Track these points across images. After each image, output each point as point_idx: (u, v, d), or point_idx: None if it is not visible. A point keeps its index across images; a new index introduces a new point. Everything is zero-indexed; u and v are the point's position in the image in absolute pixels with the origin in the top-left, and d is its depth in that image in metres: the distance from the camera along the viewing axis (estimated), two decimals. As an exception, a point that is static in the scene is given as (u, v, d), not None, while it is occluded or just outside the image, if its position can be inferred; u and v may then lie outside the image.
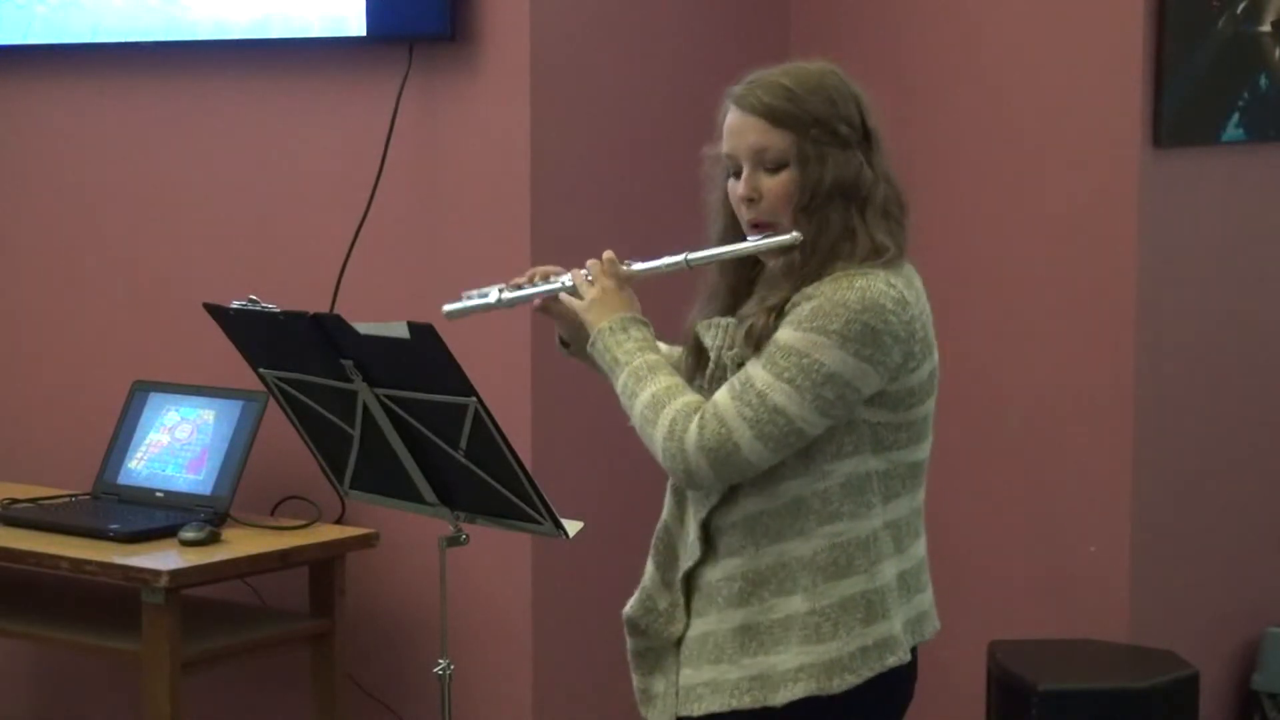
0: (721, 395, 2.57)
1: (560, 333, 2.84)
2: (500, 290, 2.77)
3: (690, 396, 2.61)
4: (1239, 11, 4.40)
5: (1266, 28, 4.49)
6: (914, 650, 2.72)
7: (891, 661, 2.62)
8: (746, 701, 2.62)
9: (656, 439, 2.59)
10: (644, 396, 2.61)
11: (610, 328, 2.67)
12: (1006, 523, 4.39)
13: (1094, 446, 4.27)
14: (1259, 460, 4.73)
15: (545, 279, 2.77)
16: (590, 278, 2.71)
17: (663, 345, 2.80)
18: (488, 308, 2.78)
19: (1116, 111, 4.19)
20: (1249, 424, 4.67)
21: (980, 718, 4.03)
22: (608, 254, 2.73)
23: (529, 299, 2.77)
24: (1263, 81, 4.51)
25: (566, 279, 2.74)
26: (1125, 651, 4.07)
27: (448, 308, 2.81)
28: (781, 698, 2.60)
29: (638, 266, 2.73)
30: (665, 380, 2.62)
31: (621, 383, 2.65)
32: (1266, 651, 4.68)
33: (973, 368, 4.36)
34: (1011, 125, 4.33)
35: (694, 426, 2.56)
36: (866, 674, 2.60)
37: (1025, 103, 4.31)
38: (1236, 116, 4.46)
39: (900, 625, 2.64)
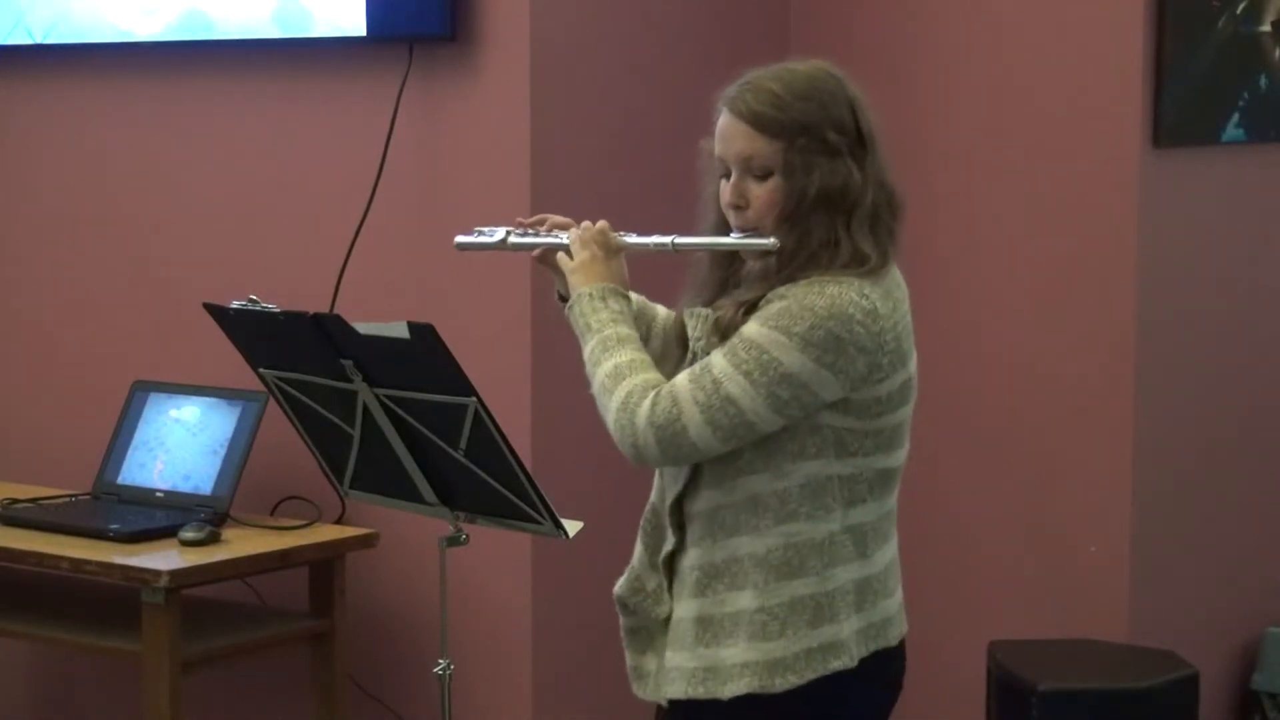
0: (680, 377, 2.60)
1: (559, 287, 2.85)
2: (508, 232, 2.83)
3: (651, 374, 2.63)
4: (1239, 11, 4.40)
5: (1266, 28, 4.49)
6: (900, 650, 2.72)
7: (835, 666, 2.62)
8: (700, 691, 2.65)
9: (611, 409, 2.62)
10: (607, 366, 2.63)
11: (590, 294, 2.69)
12: (1006, 523, 4.38)
13: (1094, 446, 4.27)
14: (1259, 460, 4.73)
15: (552, 231, 2.81)
16: (583, 242, 2.74)
17: (661, 307, 2.85)
18: (493, 246, 2.84)
19: (1116, 111, 4.19)
20: (1249, 424, 4.67)
21: (980, 718, 4.03)
22: (601, 223, 2.76)
23: (531, 248, 2.82)
24: (1263, 81, 4.51)
25: (565, 236, 2.79)
26: (1125, 651, 4.07)
27: (459, 239, 2.88)
28: (728, 691, 2.62)
29: (629, 240, 2.76)
30: (631, 354, 2.64)
31: (589, 349, 2.67)
32: (1266, 651, 4.68)
33: (972, 367, 4.37)
34: (1011, 125, 4.33)
35: (647, 402, 2.58)
36: (810, 675, 2.61)
37: (1025, 103, 4.31)
38: (1236, 116, 4.46)
39: (850, 631, 2.63)
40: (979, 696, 4.03)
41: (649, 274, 2.87)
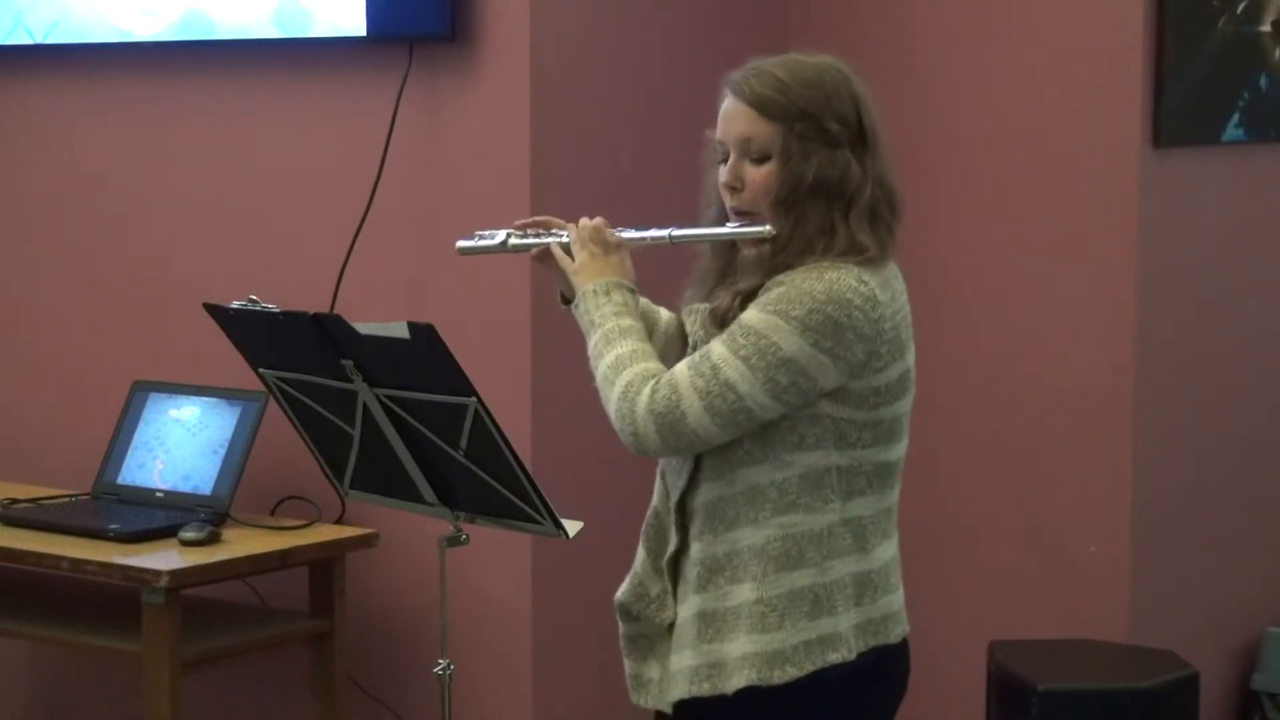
0: (680, 365, 2.61)
1: (560, 287, 2.85)
2: (508, 235, 2.82)
3: (652, 363, 2.64)
4: (1239, 11, 4.40)
5: (1266, 28, 4.49)
6: (903, 649, 2.72)
7: (833, 658, 2.61)
8: (705, 689, 2.64)
9: (612, 398, 2.63)
10: (609, 358, 2.64)
11: (595, 290, 2.70)
12: (1006, 523, 4.39)
13: (1094, 446, 4.27)
14: (1259, 460, 4.73)
15: (548, 229, 2.81)
16: (581, 242, 2.74)
17: (664, 310, 2.84)
18: (495, 250, 2.83)
19: (1116, 111, 4.19)
20: (1249, 424, 4.67)
21: (980, 718, 4.03)
22: (597, 219, 2.76)
23: (530, 248, 2.81)
24: (1263, 81, 4.51)
25: (564, 235, 2.78)
26: (1125, 651, 4.07)
27: (461, 244, 2.85)
28: (732, 685, 2.62)
29: (625, 235, 2.76)
30: (633, 345, 2.65)
31: (593, 343, 2.68)
32: (1266, 651, 4.68)
33: (972, 368, 4.37)
34: (1012, 125, 4.33)
35: (647, 389, 2.59)
36: (808, 668, 2.60)
37: (1025, 103, 4.31)
38: (1236, 116, 4.46)
39: (847, 625, 2.63)
40: (979, 696, 4.03)
41: (653, 271, 2.86)
